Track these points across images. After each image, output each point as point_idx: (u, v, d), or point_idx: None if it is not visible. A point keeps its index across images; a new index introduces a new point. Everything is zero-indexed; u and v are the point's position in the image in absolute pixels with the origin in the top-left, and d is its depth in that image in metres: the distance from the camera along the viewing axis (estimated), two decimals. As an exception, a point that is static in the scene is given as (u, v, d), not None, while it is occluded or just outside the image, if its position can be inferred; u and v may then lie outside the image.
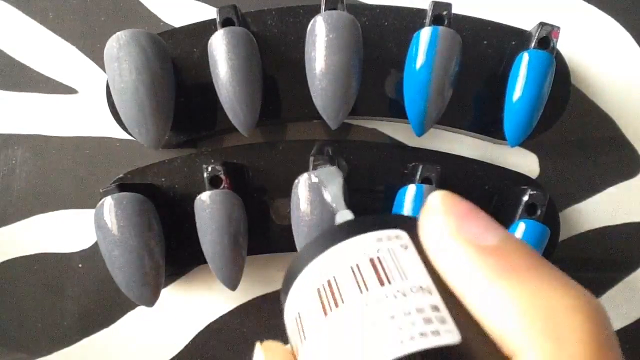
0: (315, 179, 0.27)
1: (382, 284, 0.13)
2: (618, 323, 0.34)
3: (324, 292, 0.14)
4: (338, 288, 0.13)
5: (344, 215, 0.19)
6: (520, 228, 0.28)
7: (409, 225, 0.14)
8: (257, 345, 0.15)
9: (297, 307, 0.14)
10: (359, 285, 0.13)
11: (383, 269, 0.13)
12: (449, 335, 0.12)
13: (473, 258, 0.12)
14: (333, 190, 0.21)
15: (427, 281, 0.13)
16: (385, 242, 0.14)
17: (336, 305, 0.13)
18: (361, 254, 0.14)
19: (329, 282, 0.14)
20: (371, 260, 0.14)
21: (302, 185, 0.28)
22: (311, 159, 0.29)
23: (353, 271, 0.13)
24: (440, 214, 0.13)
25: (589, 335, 0.11)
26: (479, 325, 0.12)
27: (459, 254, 0.13)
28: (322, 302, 0.13)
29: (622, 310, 0.34)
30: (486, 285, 0.12)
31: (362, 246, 0.14)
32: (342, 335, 0.12)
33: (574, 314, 0.11)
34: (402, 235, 0.14)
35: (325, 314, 0.13)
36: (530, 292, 0.12)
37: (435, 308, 0.12)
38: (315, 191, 0.27)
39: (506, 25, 0.32)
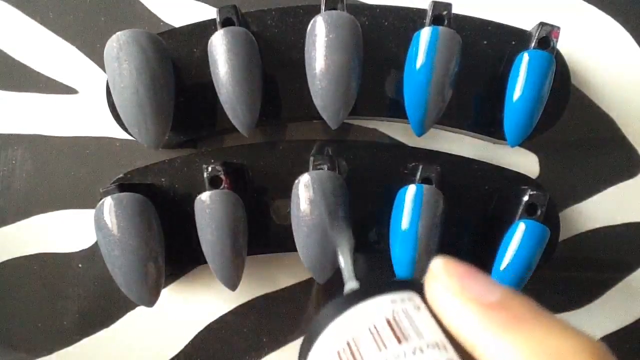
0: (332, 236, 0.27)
1: (399, 341, 0.14)
2: (618, 323, 0.34)
3: (343, 354, 0.14)
4: (358, 348, 0.14)
5: (351, 285, 0.19)
6: (520, 228, 0.28)
7: (419, 288, 0.15)
8: None
9: None
10: (377, 344, 0.14)
11: (399, 328, 0.14)
12: None
13: (478, 314, 0.13)
14: (345, 259, 0.22)
15: (442, 338, 0.14)
16: (399, 303, 0.15)
17: None
18: (377, 315, 0.15)
19: (348, 343, 0.14)
20: (387, 321, 0.14)
21: (302, 185, 0.28)
22: (311, 159, 0.29)
23: (371, 331, 0.14)
24: (444, 276, 0.15)
25: None
26: None
27: (465, 312, 0.14)
28: None
29: (622, 310, 0.34)
30: (493, 339, 0.13)
31: (377, 308, 0.15)
32: None
33: (580, 355, 0.12)
34: (414, 297, 0.15)
35: None
36: (536, 340, 0.12)
37: None
38: (316, 191, 0.27)
39: (506, 25, 0.32)
